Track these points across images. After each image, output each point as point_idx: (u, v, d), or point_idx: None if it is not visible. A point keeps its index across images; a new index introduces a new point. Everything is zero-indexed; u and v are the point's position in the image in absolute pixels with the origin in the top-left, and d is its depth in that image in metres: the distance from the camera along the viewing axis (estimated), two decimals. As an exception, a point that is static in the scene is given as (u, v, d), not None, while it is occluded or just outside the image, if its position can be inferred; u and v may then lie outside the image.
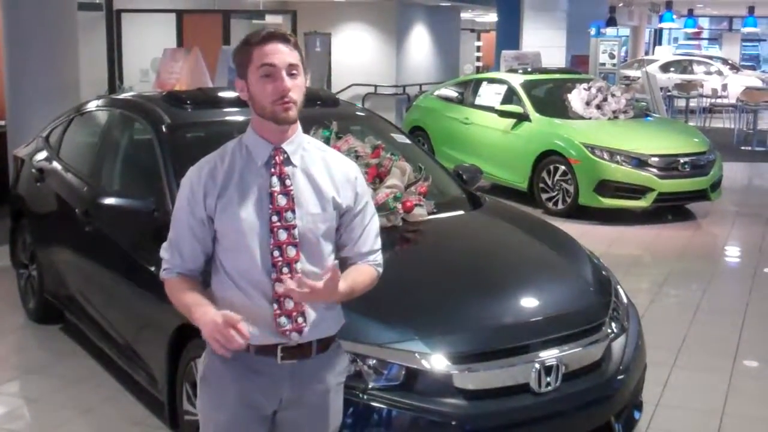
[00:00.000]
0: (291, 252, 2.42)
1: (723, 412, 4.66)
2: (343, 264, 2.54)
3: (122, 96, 5.66)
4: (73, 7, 8.17)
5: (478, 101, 11.27)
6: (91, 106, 5.75)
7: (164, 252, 2.56)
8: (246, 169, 2.47)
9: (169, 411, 3.99)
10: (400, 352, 3.29)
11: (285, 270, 2.41)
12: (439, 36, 20.27)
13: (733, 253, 8.69)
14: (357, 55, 17.64)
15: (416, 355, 3.29)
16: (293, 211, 2.43)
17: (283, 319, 2.42)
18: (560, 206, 9.61)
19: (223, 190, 2.45)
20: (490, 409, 3.34)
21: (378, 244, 2.64)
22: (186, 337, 3.72)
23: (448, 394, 3.29)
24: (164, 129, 4.55)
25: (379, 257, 2.63)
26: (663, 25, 25.96)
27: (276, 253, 2.41)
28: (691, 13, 27.50)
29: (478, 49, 26.08)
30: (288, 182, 2.44)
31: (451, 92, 12.02)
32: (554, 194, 9.69)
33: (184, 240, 2.51)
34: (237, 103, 4.99)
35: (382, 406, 3.21)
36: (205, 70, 9.28)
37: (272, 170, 2.45)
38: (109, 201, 4.27)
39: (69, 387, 4.88)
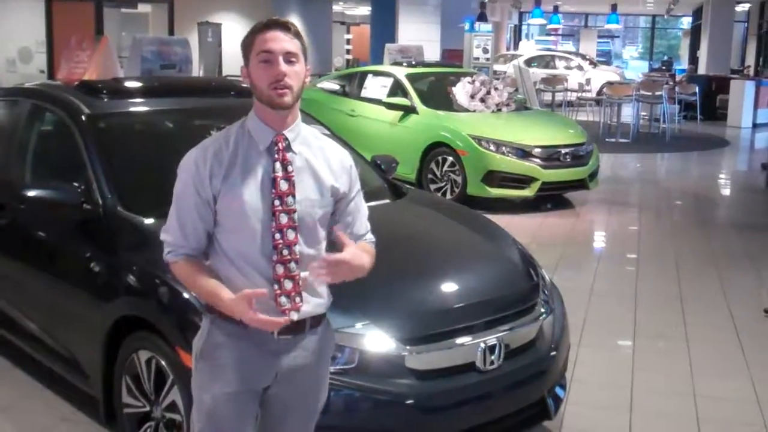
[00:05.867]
0: (291, 235, 2.51)
1: (632, 385, 4.98)
2: (335, 247, 2.62)
3: (31, 86, 5.44)
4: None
5: (364, 93, 11.38)
6: (-9, 96, 5.50)
7: (166, 235, 2.60)
8: (249, 153, 2.54)
9: (104, 406, 3.94)
10: (353, 336, 3.37)
11: (285, 252, 2.50)
12: (311, 28, 20.28)
13: (614, 238, 9.15)
14: (234, 44, 17.48)
15: (369, 338, 3.39)
16: (293, 196, 2.52)
17: (283, 299, 2.51)
18: (449, 196, 9.80)
19: (228, 172, 2.51)
20: (440, 387, 3.47)
21: (368, 225, 2.79)
22: (124, 330, 3.70)
23: (401, 375, 3.40)
24: (84, 119, 4.43)
25: (371, 236, 2.79)
26: (532, 21, 26.81)
27: (277, 236, 2.49)
28: (556, 10, 28.48)
29: (348, 41, 26.21)
30: (290, 168, 2.53)
31: (335, 85, 12.08)
32: (443, 185, 9.93)
33: (188, 221, 2.55)
34: (153, 92, 4.97)
35: (338, 389, 3.26)
36: (116, 59, 9.00)
37: (275, 156, 2.52)
38: (33, 193, 4.13)
39: (-21, 387, 4.71)
